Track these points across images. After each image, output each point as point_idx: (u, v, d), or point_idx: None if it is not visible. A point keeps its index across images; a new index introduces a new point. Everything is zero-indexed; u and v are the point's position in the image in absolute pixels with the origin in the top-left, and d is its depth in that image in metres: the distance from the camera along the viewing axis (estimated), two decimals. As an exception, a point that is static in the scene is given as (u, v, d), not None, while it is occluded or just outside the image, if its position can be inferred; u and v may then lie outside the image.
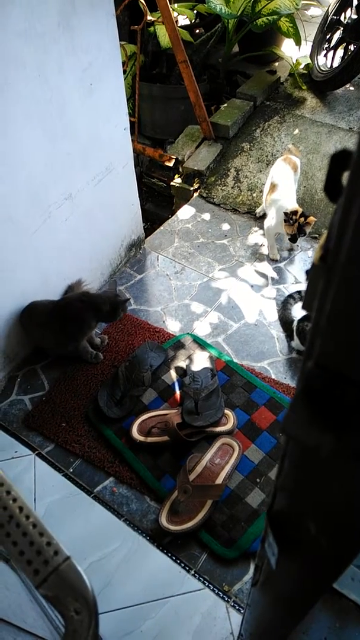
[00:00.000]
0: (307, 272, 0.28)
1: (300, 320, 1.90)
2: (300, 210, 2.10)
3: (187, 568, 1.46)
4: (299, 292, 2.11)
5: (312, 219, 2.10)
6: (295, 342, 1.95)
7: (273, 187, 2.26)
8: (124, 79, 1.93)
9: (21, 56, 1.45)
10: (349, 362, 0.25)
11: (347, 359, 0.25)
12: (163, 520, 1.51)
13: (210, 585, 1.43)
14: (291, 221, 2.10)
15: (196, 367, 1.91)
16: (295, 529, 0.37)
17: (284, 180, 2.25)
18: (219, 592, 1.41)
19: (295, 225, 2.10)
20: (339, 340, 0.25)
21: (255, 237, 2.50)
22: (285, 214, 2.11)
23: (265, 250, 2.41)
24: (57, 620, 1.03)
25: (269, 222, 2.27)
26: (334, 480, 0.32)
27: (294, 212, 2.10)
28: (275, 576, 0.44)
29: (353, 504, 0.32)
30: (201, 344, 2.01)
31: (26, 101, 1.52)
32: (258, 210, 2.57)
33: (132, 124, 2.75)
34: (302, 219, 2.09)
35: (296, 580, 0.43)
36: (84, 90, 1.71)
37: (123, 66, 2.16)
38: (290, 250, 2.42)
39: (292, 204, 2.16)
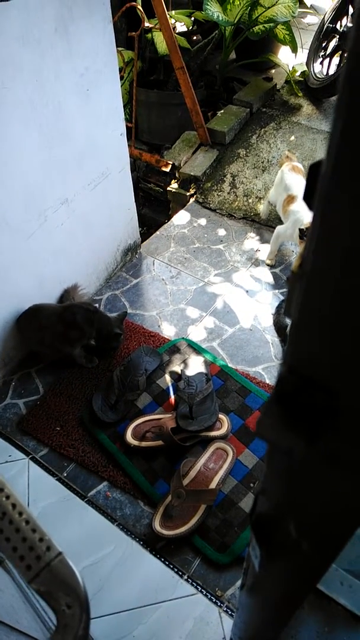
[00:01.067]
0: (287, 279, 0.28)
1: None
2: None
3: (180, 573, 1.46)
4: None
5: None
6: (290, 347, 1.96)
7: (291, 198, 2.20)
8: (122, 85, 1.95)
9: (18, 61, 1.46)
10: (318, 368, 0.26)
11: (316, 364, 0.26)
12: (156, 525, 1.51)
13: (203, 590, 1.42)
14: (305, 237, 2.08)
15: (191, 371, 1.91)
16: (277, 533, 0.38)
17: (300, 191, 2.20)
18: (212, 597, 1.41)
19: None
20: (309, 346, 0.26)
21: (251, 242, 2.51)
22: (301, 230, 2.03)
23: (261, 256, 2.42)
24: (51, 622, 1.03)
25: (283, 230, 2.22)
26: (311, 484, 0.32)
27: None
28: (260, 579, 0.45)
29: (330, 507, 0.33)
30: (196, 348, 2.01)
31: (23, 106, 1.53)
32: (262, 213, 2.58)
33: (129, 129, 2.76)
34: None
35: (280, 583, 0.43)
36: (81, 95, 1.72)
37: (120, 72, 2.18)
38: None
39: (308, 218, 2.12)
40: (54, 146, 1.70)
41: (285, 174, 2.29)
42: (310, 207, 0.25)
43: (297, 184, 2.23)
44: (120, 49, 2.87)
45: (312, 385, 0.25)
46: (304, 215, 2.11)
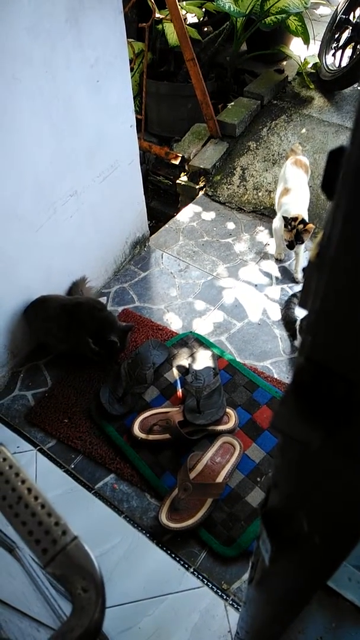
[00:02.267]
0: (304, 270, 0.28)
1: (303, 320, 1.90)
2: (301, 216, 2.07)
3: (187, 566, 1.46)
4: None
5: (310, 226, 2.06)
6: (298, 342, 1.94)
7: (286, 190, 2.23)
8: (132, 77, 1.93)
9: (29, 52, 1.45)
10: (338, 358, 0.25)
11: (336, 354, 0.25)
12: (163, 518, 1.51)
13: (209, 583, 1.43)
14: (289, 227, 2.07)
15: (199, 365, 1.91)
16: (289, 527, 0.37)
17: (297, 184, 2.23)
18: (218, 590, 1.41)
19: (294, 231, 2.07)
20: (329, 335, 0.25)
21: (260, 236, 2.49)
22: (285, 218, 2.09)
23: (270, 250, 2.40)
24: (61, 611, 1.04)
25: (275, 223, 2.27)
26: (325, 477, 0.32)
27: (294, 218, 2.06)
28: (270, 573, 0.44)
29: (344, 501, 0.32)
30: (204, 342, 2.01)
31: (33, 97, 1.52)
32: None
33: (138, 121, 2.75)
34: (300, 226, 2.06)
35: (290, 578, 0.43)
36: (91, 86, 1.71)
37: (130, 64, 2.16)
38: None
39: (296, 210, 2.13)
40: (64, 137, 1.69)
41: (287, 167, 2.30)
42: (329, 196, 0.25)
43: (295, 177, 2.25)
44: (130, 40, 2.85)
45: (330, 376, 0.24)
46: (292, 207, 2.14)
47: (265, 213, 2.59)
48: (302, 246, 2.16)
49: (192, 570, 1.45)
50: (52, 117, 1.61)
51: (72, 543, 0.46)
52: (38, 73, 1.51)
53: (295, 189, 2.22)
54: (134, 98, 2.30)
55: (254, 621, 0.57)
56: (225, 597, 1.40)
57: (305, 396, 0.25)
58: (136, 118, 2.06)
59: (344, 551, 0.36)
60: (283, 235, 2.14)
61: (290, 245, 2.13)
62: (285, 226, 2.09)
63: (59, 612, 1.02)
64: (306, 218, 2.13)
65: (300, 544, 0.36)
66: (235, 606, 1.39)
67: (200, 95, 2.71)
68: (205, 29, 3.41)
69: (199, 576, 1.44)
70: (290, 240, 2.10)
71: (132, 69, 2.94)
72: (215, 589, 1.42)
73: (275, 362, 1.97)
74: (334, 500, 0.33)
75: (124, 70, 1.84)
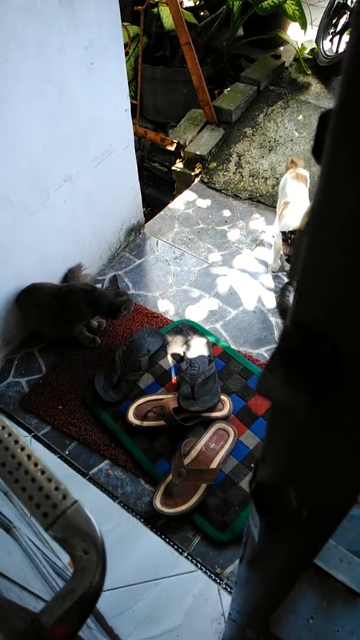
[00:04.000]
0: (292, 240, 0.27)
1: (283, 288, 1.89)
2: (300, 229, 1.94)
3: (180, 550, 1.47)
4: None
5: None
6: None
7: (286, 204, 2.09)
8: (126, 61, 1.90)
9: (22, 33, 1.42)
10: (323, 319, 0.25)
11: (322, 315, 0.25)
12: (157, 503, 1.52)
13: (202, 567, 1.44)
14: (289, 241, 1.95)
15: (193, 353, 1.91)
16: (278, 501, 0.37)
17: (297, 198, 2.09)
18: (211, 575, 1.43)
19: (293, 246, 1.94)
20: (314, 298, 0.25)
21: (256, 223, 2.48)
22: (284, 233, 1.96)
23: (265, 237, 2.39)
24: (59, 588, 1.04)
25: (275, 236, 2.15)
26: (311, 448, 0.32)
27: (293, 232, 1.93)
28: (259, 550, 0.44)
29: (332, 474, 0.32)
30: (199, 330, 2.01)
31: (26, 79, 1.50)
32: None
33: (133, 106, 2.72)
34: None
35: (280, 554, 0.43)
36: (85, 69, 1.69)
37: (125, 48, 2.13)
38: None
39: (295, 223, 1.98)
40: (58, 121, 1.67)
41: (287, 182, 2.18)
42: (319, 161, 0.24)
43: (296, 191, 2.13)
44: (125, 23, 2.81)
45: (316, 339, 0.24)
46: (291, 220, 2.01)
47: (261, 200, 2.58)
48: None
49: (185, 554, 1.46)
50: (45, 100, 1.59)
51: (72, 507, 0.47)
52: (31, 55, 1.48)
53: (296, 202, 2.08)
54: (129, 83, 2.27)
55: (246, 601, 0.58)
56: (218, 581, 1.42)
57: (291, 361, 0.25)
58: (131, 103, 2.03)
59: (332, 525, 0.36)
60: (282, 249, 2.03)
61: (290, 260, 2.02)
62: (284, 240, 1.97)
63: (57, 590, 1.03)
64: None
65: (289, 519, 0.36)
66: (229, 590, 1.40)
67: (196, 80, 2.68)
68: (202, 12, 3.37)
69: (193, 560, 1.45)
70: (290, 254, 1.98)
71: (127, 53, 2.91)
72: (208, 573, 1.43)
73: (269, 349, 1.97)
74: (322, 473, 0.33)
75: (118, 53, 1.81)
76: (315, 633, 0.62)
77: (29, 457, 0.49)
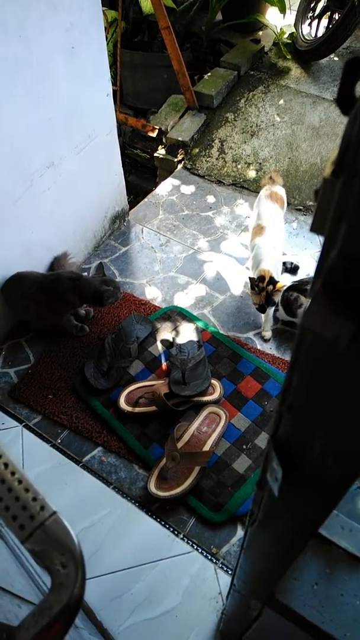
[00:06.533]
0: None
1: (285, 291, 1.91)
2: (269, 274, 1.74)
3: (176, 532, 1.48)
4: (284, 263, 2.12)
5: (280, 285, 1.72)
6: (280, 313, 1.96)
7: (260, 229, 1.90)
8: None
9: (1, 14, 1.39)
10: None
11: None
12: (152, 487, 1.53)
13: (198, 548, 1.46)
14: (256, 289, 1.74)
15: (182, 338, 1.91)
16: (300, 451, 0.38)
17: (271, 223, 1.92)
18: (207, 555, 1.45)
19: (263, 294, 1.74)
20: None
21: (240, 209, 2.49)
22: (251, 279, 1.77)
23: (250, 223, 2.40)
24: (45, 587, 1.05)
25: (249, 265, 1.96)
26: (349, 383, 0.32)
27: (261, 278, 1.73)
28: (275, 507, 0.45)
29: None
30: (187, 315, 2.01)
31: (6, 63, 1.46)
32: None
33: (114, 92, 2.68)
34: (270, 287, 1.72)
35: (297, 509, 0.44)
36: (66, 52, 1.66)
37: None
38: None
39: (266, 263, 1.78)
40: (39, 105, 1.64)
41: (261, 200, 2.00)
42: (345, 111, 0.24)
43: (270, 214, 1.94)
44: (103, 8, 2.76)
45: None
46: (263, 256, 1.80)
47: (245, 186, 2.58)
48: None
49: (181, 536, 1.48)
50: (26, 83, 1.56)
51: (51, 518, 0.46)
52: (11, 37, 1.45)
53: (270, 229, 1.90)
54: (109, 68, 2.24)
55: (252, 569, 0.59)
56: (214, 560, 1.44)
57: (337, 292, 0.25)
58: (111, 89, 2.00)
59: (356, 472, 0.37)
60: (251, 298, 1.84)
61: (261, 309, 1.81)
62: (252, 288, 1.77)
63: (43, 589, 1.03)
64: (279, 266, 1.85)
65: (311, 468, 0.37)
66: (225, 569, 1.43)
67: (176, 65, 2.65)
68: (180, -4, 3.32)
69: (189, 542, 1.47)
70: (261, 303, 1.77)
71: (105, 39, 2.86)
72: (204, 554, 1.45)
73: (257, 333, 1.98)
74: (354, 413, 0.33)
75: (99, 36, 1.78)
76: (320, 597, 0.64)
77: (5, 465, 0.48)
